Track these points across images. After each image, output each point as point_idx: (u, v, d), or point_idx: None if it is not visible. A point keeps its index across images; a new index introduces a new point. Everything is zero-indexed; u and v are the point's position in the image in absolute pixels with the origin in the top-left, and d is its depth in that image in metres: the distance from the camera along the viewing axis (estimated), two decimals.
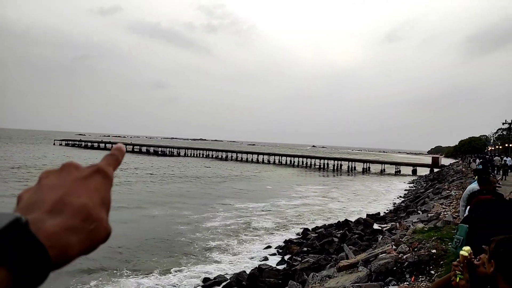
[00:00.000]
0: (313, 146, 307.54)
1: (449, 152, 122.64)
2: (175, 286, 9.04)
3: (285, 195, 25.00)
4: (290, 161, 61.07)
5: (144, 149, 71.63)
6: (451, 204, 13.34)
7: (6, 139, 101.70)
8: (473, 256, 1.93)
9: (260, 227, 15.27)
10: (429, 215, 12.25)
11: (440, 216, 11.02)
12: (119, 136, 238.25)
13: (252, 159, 63.82)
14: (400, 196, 26.53)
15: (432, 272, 6.02)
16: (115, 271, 9.60)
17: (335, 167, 54.93)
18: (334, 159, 58.81)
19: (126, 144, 53.62)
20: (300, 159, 60.63)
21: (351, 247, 10.33)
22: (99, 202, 0.46)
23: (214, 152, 69.28)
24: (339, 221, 15.48)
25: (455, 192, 16.77)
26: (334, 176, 45.54)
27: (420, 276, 6.04)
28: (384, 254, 7.16)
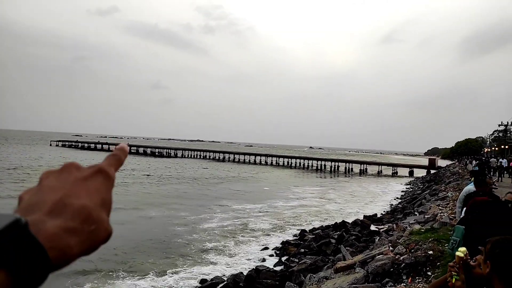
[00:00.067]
0: (311, 147, 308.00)
1: (446, 153, 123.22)
2: None
3: (282, 196, 25.00)
4: (288, 162, 61.09)
5: (141, 150, 71.45)
6: (448, 206, 13.39)
7: (2, 140, 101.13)
8: (469, 257, 1.94)
9: (257, 228, 15.26)
10: (425, 216, 12.29)
11: (437, 218, 11.06)
12: (116, 137, 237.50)
13: (249, 160, 63.79)
14: (397, 198, 26.61)
15: (429, 273, 6.04)
16: (110, 273, 9.54)
17: (332, 168, 55.02)
18: (331, 160, 58.92)
19: None
20: (298, 161, 60.67)
21: (348, 248, 10.34)
22: (99, 203, 0.45)
23: (211, 153, 69.21)
24: (336, 223, 15.49)
25: (451, 194, 16.83)
26: (331, 177, 45.62)
27: (417, 277, 6.06)
28: (381, 256, 7.18)
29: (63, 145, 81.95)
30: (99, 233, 0.44)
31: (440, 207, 13.55)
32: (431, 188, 24.82)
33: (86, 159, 42.91)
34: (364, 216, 17.12)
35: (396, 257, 6.84)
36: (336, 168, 55.01)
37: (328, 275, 7.76)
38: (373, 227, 14.29)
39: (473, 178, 5.20)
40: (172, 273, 9.80)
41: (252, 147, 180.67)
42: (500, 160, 26.14)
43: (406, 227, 10.77)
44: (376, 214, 18.24)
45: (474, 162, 30.47)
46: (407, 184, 37.38)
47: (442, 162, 67.70)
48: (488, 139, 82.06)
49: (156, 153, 69.70)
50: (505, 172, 25.01)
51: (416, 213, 15.46)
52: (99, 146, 75.88)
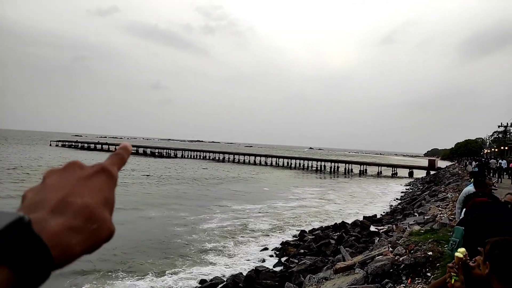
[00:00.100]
0: (310, 148, 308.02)
1: (446, 154, 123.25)
2: None
3: (282, 197, 25.00)
4: (287, 163, 61.08)
5: (141, 150, 71.43)
6: (448, 207, 13.40)
7: (2, 139, 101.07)
8: (468, 258, 1.94)
9: (257, 228, 15.25)
10: (425, 217, 12.29)
11: (437, 219, 11.06)
12: (116, 137, 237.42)
13: (249, 160, 63.77)
14: (397, 198, 26.60)
15: (429, 274, 6.03)
16: (109, 273, 9.51)
17: (332, 169, 55.02)
18: (331, 161, 58.93)
19: None
20: (297, 161, 60.65)
21: (347, 249, 10.34)
22: (102, 201, 0.46)
23: (211, 154, 69.21)
24: (336, 223, 15.49)
25: (451, 195, 16.84)
26: (331, 178, 45.61)
27: (416, 278, 6.06)
28: (380, 256, 7.17)
29: (63, 145, 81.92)
30: (101, 231, 0.44)
31: (439, 208, 13.55)
32: (431, 189, 24.83)
33: (86, 159, 42.88)
34: (364, 217, 17.12)
35: (396, 258, 6.84)
36: (335, 169, 55.01)
37: (327, 276, 7.76)
38: (372, 228, 14.29)
39: (472, 179, 5.21)
40: (171, 274, 9.78)
41: (252, 147, 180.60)
42: (500, 161, 26.14)
43: (406, 228, 10.77)
44: (375, 215, 18.24)
45: (473, 163, 30.46)
46: (407, 185, 37.37)
47: (441, 163, 67.71)
48: (487, 140, 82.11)
49: (156, 154, 69.68)
50: (505, 173, 24.99)
51: (415, 214, 15.46)
52: (98, 146, 75.89)
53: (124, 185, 25.37)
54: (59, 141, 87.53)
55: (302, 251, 11.59)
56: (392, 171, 52.81)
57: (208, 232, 14.20)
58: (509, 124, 47.45)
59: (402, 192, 30.81)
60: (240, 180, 35.26)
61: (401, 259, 6.71)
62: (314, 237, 13.07)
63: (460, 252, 1.95)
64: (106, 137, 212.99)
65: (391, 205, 23.00)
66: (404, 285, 5.96)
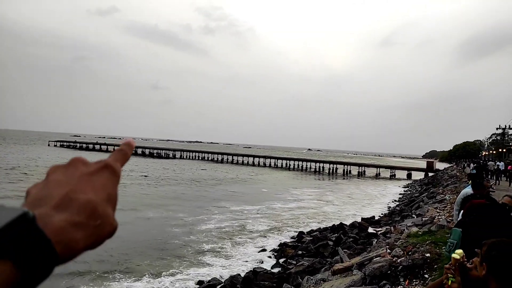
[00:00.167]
0: (309, 149, 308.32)
1: (444, 156, 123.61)
2: None
3: (280, 198, 24.99)
4: (286, 164, 61.09)
5: (139, 151, 71.28)
6: (445, 208, 13.41)
7: (0, 139, 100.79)
8: (465, 259, 1.93)
9: (255, 230, 15.23)
10: (423, 219, 12.30)
11: (434, 220, 11.08)
12: (114, 138, 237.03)
13: (248, 161, 63.74)
14: (395, 200, 26.62)
15: (426, 276, 6.03)
16: (106, 274, 9.45)
17: (331, 170, 55.03)
18: (330, 162, 58.94)
19: None
20: (296, 162, 60.68)
21: (345, 250, 10.34)
22: (105, 198, 0.46)
23: (209, 155, 69.19)
24: (334, 225, 15.49)
25: (449, 197, 16.86)
26: (329, 179, 45.63)
27: (414, 280, 6.06)
28: (378, 258, 7.17)
29: (61, 145, 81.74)
30: (104, 227, 0.45)
31: (437, 210, 13.57)
32: (429, 191, 24.84)
33: None
34: (362, 219, 17.12)
35: (394, 259, 6.84)
36: (334, 170, 55.02)
37: (325, 277, 7.75)
38: (370, 230, 14.30)
39: (470, 181, 5.22)
40: (168, 275, 9.74)
41: (250, 148, 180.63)
42: (498, 163, 26.22)
43: (404, 230, 10.79)
44: (374, 217, 18.25)
45: (472, 165, 30.56)
46: (405, 187, 37.41)
47: (440, 165, 67.83)
48: (486, 142, 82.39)
49: (155, 154, 69.58)
50: (503, 175, 25.07)
51: (413, 215, 15.47)
52: (97, 146, 75.79)
53: (122, 185, 25.30)
54: (58, 141, 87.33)
55: (300, 252, 11.57)
56: (391, 172, 52.85)
57: (206, 233, 14.17)
58: (507, 126, 47.56)
59: (400, 194, 30.83)
60: (239, 181, 35.24)
61: (399, 260, 6.71)
62: (312, 238, 13.06)
63: (457, 254, 1.95)
64: (104, 137, 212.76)
65: (389, 207, 23.01)
66: (401, 286, 5.96)
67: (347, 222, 16.18)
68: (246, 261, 11.25)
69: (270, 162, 62.68)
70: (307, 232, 14.57)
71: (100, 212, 0.45)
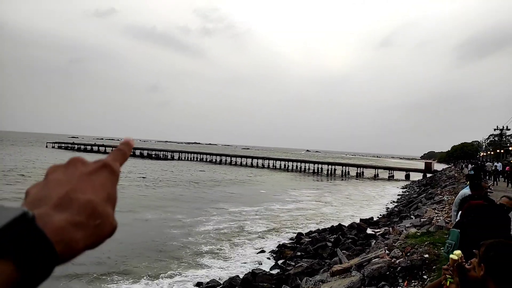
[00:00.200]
0: (307, 150, 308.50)
1: (442, 157, 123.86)
2: None
3: (279, 199, 24.98)
4: (285, 165, 61.08)
5: (137, 152, 71.15)
6: (444, 209, 13.44)
7: None
8: (463, 260, 1.94)
9: (253, 231, 15.22)
10: (421, 220, 12.32)
11: (433, 221, 11.09)
12: (112, 139, 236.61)
13: (246, 163, 63.71)
14: (393, 201, 26.65)
15: (425, 276, 6.04)
16: (103, 276, 9.40)
17: (329, 171, 55.05)
18: (328, 163, 58.95)
19: None
20: (294, 164, 60.69)
21: (344, 251, 10.34)
22: (105, 197, 0.46)
23: (208, 156, 69.12)
24: (332, 226, 15.48)
25: (447, 197, 16.91)
26: (327, 180, 45.64)
27: (412, 281, 6.06)
28: (377, 259, 7.18)
29: (59, 147, 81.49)
30: (104, 227, 0.45)
31: (436, 211, 13.59)
32: (427, 192, 24.89)
33: None
34: (361, 220, 17.13)
35: (392, 260, 6.84)
36: (332, 171, 55.04)
37: (324, 279, 7.74)
38: (369, 231, 14.31)
39: (468, 182, 5.23)
40: (166, 277, 9.70)
41: (249, 149, 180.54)
42: (496, 164, 26.30)
43: (402, 231, 10.80)
44: (372, 218, 18.26)
45: (469, 166, 30.63)
46: (403, 188, 37.47)
47: (438, 166, 68.01)
48: (483, 143, 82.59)
49: (153, 156, 69.48)
50: (500, 176, 25.14)
51: (412, 216, 15.49)
52: (95, 148, 75.61)
53: (120, 187, 25.21)
54: (56, 142, 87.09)
55: (299, 253, 11.56)
56: (389, 173, 52.92)
57: (205, 234, 14.14)
58: (505, 127, 47.72)
59: (398, 195, 30.87)
60: (237, 182, 35.20)
61: (397, 261, 6.71)
62: (311, 239, 13.05)
63: (456, 255, 1.95)
64: (103, 138, 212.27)
65: (388, 208, 23.04)
66: (400, 287, 5.96)
67: (346, 223, 16.19)
68: (245, 263, 11.23)
69: (268, 163, 62.67)
70: (305, 233, 14.55)
71: (100, 211, 0.45)
